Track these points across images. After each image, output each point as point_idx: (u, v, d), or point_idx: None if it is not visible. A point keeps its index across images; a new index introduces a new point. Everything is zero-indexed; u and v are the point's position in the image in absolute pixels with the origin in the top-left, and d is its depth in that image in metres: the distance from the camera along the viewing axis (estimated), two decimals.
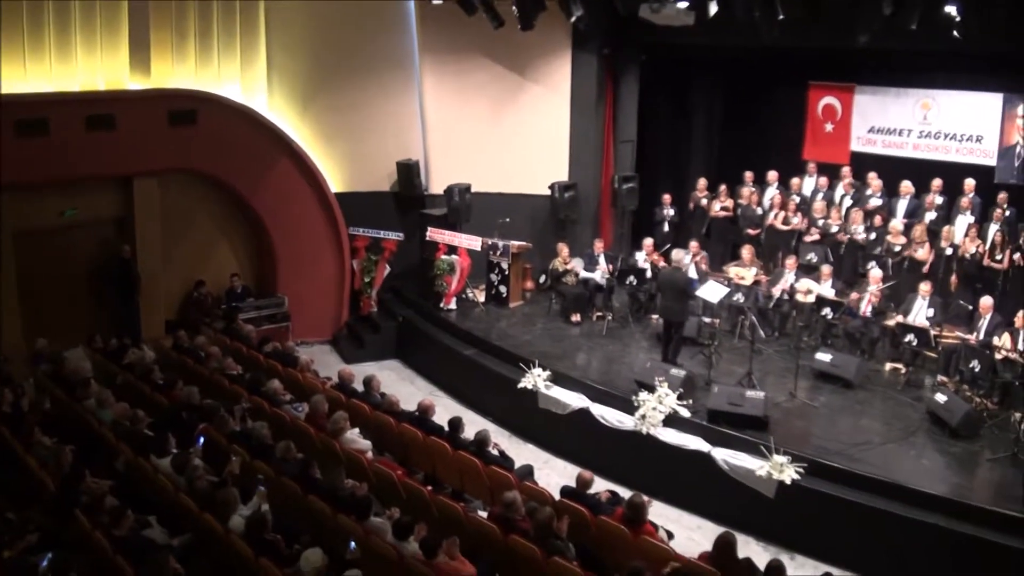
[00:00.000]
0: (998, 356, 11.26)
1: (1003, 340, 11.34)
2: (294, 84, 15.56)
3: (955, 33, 11.28)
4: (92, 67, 13.31)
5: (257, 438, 9.41)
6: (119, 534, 7.57)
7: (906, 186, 14.67)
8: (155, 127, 13.84)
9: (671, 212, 16.22)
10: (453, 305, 15.04)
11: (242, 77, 15.02)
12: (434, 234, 15.18)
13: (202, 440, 9.49)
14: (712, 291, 12.57)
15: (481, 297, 15.38)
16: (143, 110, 13.73)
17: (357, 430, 10.11)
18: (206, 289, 15.32)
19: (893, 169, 15.35)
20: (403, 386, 13.99)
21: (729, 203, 15.86)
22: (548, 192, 16.23)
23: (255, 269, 16.29)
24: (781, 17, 12.14)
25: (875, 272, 13.11)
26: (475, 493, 9.63)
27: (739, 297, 13.35)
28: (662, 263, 14.05)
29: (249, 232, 16.07)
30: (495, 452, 9.84)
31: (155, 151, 13.94)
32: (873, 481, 9.81)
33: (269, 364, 12.31)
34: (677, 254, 12.49)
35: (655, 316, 13.86)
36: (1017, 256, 12.76)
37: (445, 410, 11.78)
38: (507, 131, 16.45)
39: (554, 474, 11.18)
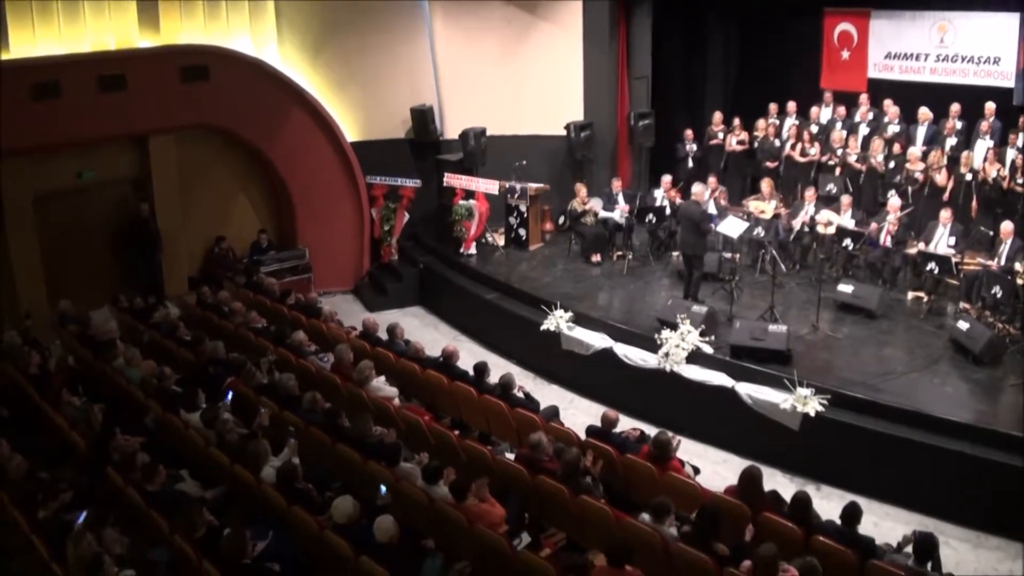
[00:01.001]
0: (1020, 281, 11.18)
1: None
2: (304, 33, 15.43)
3: None
4: (101, 27, 13.25)
5: (284, 390, 9.51)
6: (152, 489, 7.72)
7: (924, 112, 14.50)
8: (167, 84, 13.81)
9: (693, 147, 16.09)
10: (473, 250, 15.05)
11: (251, 29, 14.91)
12: (451, 179, 15.15)
13: (230, 394, 9.61)
14: (732, 226, 12.53)
15: (501, 241, 15.37)
16: (154, 68, 13.70)
17: (383, 378, 10.21)
18: (227, 244, 15.39)
19: (911, 95, 15.15)
20: (427, 332, 14.07)
21: (744, 136, 15.74)
22: (564, 132, 16.15)
23: (274, 222, 16.31)
24: None
25: (894, 201, 13.01)
26: (502, 436, 9.74)
27: (759, 231, 13.32)
28: (679, 199, 14.00)
29: (267, 185, 16.08)
30: (520, 395, 9.92)
31: (168, 108, 13.91)
32: (897, 410, 9.83)
33: (293, 316, 12.40)
34: (697, 188, 12.43)
35: (675, 254, 13.84)
36: None
37: (469, 355, 11.86)
38: (520, 72, 16.32)
39: (579, 414, 11.23)
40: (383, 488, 7.72)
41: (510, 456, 8.79)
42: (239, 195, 15.97)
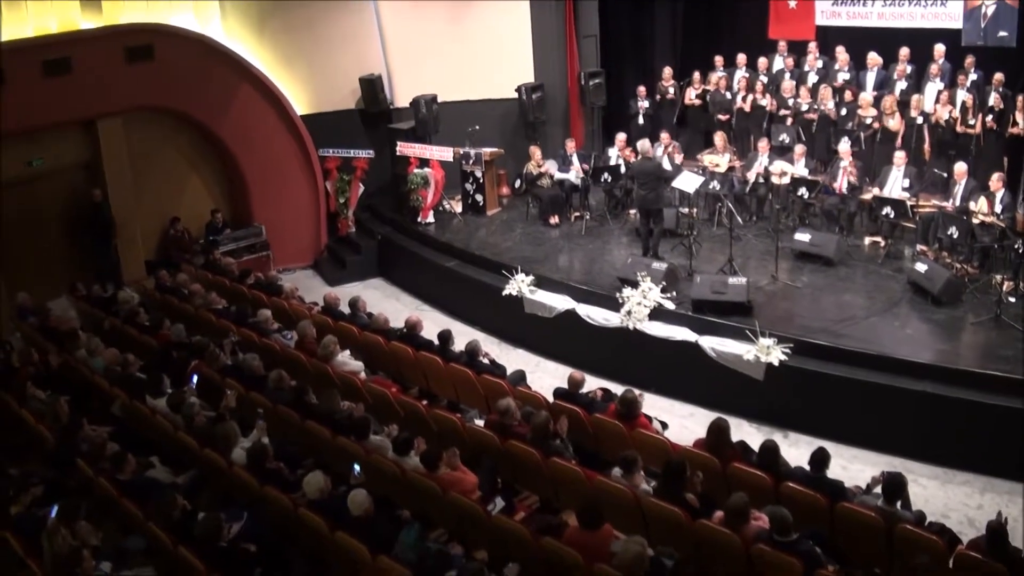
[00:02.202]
0: (975, 221, 11.34)
1: (979, 205, 11.42)
2: (247, 7, 15.19)
3: None
4: (43, 10, 12.97)
5: (249, 370, 9.48)
6: (123, 478, 7.69)
7: (873, 58, 14.55)
8: (113, 66, 13.58)
9: (646, 104, 16.06)
10: (431, 218, 14.97)
11: (195, 5, 14.67)
12: (404, 148, 15.02)
13: (195, 377, 9.55)
14: (688, 181, 12.56)
15: (458, 208, 15.32)
16: (99, 49, 13.45)
17: (348, 352, 10.19)
18: (182, 225, 15.21)
19: (860, 41, 15.18)
20: (389, 304, 14.02)
21: (703, 89, 15.74)
22: (515, 95, 16.09)
23: (229, 201, 16.14)
24: None
25: (844, 146, 13.08)
26: (470, 403, 9.77)
27: (715, 185, 13.38)
28: (633, 158, 14.01)
29: (219, 164, 15.88)
30: (486, 361, 9.95)
31: (115, 90, 13.68)
32: (859, 355, 9.97)
33: (253, 295, 12.32)
34: (642, 144, 12.50)
35: (632, 211, 13.88)
36: (989, 119, 12.76)
37: (433, 323, 11.84)
38: (468, 36, 16.18)
39: (546, 376, 11.26)
40: (356, 468, 7.72)
41: (479, 423, 8.84)
42: (192, 175, 15.76)
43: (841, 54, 14.90)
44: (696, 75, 15.85)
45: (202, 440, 8.17)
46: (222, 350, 10.14)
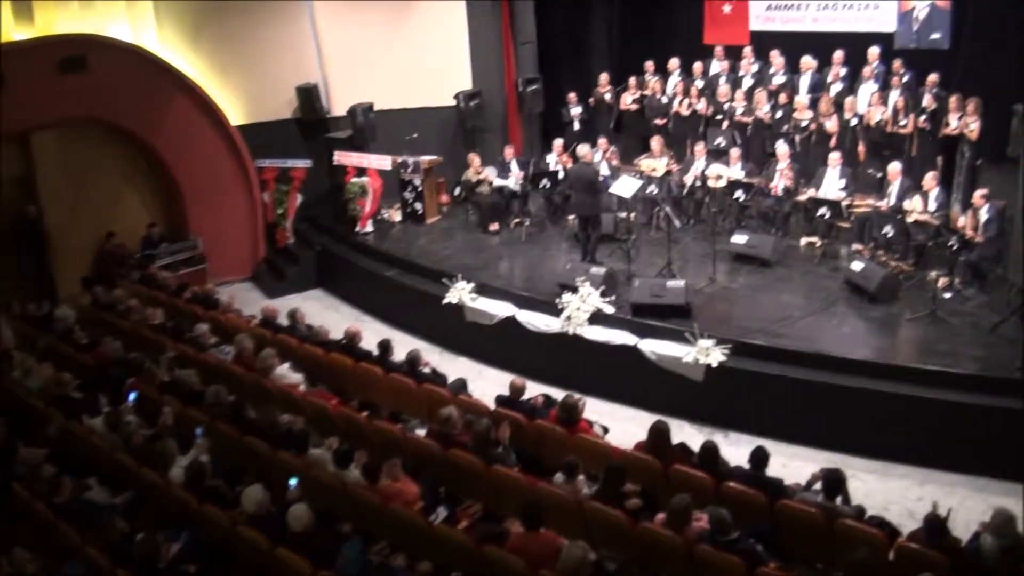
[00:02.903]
0: (910, 219, 11.55)
1: (914, 203, 11.62)
2: (182, 16, 15.03)
3: None
4: None
5: (186, 386, 9.34)
6: (60, 501, 7.53)
7: (807, 61, 14.72)
8: (46, 77, 13.38)
9: (579, 110, 16.14)
10: (370, 227, 14.90)
11: (128, 14, 14.49)
12: (342, 157, 14.94)
13: (132, 395, 9.40)
14: (625, 186, 12.63)
15: (397, 216, 15.27)
16: (31, 61, 13.25)
17: (287, 365, 10.10)
18: (118, 240, 14.95)
19: (795, 44, 15.38)
20: (329, 315, 13.87)
21: (639, 94, 15.84)
22: (453, 103, 16.05)
23: (165, 213, 15.90)
24: None
25: (781, 148, 13.23)
26: (412, 413, 9.72)
27: (652, 189, 13.45)
28: (571, 164, 14.08)
29: (155, 176, 15.63)
30: (427, 370, 9.93)
31: (48, 103, 13.47)
32: (797, 354, 10.10)
33: (190, 309, 12.16)
34: (582, 149, 12.53)
35: (571, 217, 13.92)
36: (921, 119, 12.98)
37: (373, 334, 11.75)
38: (404, 44, 16.12)
39: (488, 384, 11.19)
40: (292, 482, 7.64)
41: (421, 432, 8.80)
42: (127, 188, 15.53)
43: (776, 58, 15.07)
44: (632, 80, 15.96)
45: (140, 459, 8.03)
46: (159, 366, 10.00)
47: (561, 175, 14.16)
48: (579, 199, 12.48)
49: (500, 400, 9.14)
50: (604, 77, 16.27)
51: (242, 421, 8.62)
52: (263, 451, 8.17)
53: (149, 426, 8.69)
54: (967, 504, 8.70)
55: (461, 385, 9.95)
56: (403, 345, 10.95)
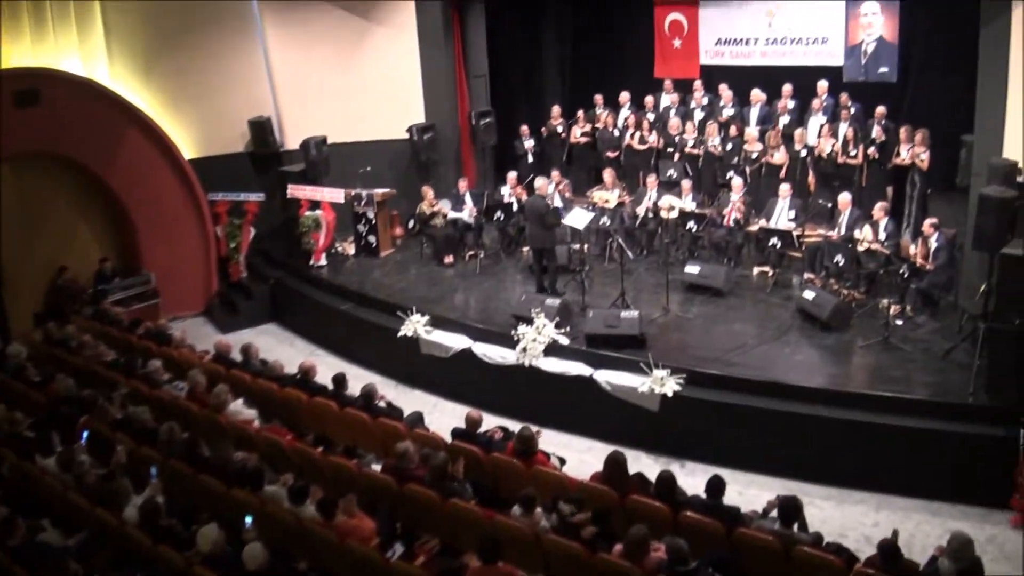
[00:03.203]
0: (860, 248, 11.74)
1: (864, 233, 11.81)
2: (134, 50, 14.97)
3: None
4: None
5: (140, 423, 9.21)
6: (13, 544, 7.38)
7: (756, 94, 15.02)
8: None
9: (531, 143, 16.26)
10: (323, 261, 14.85)
11: (80, 48, 14.40)
12: (295, 191, 14.89)
13: (86, 433, 9.25)
14: (578, 218, 12.70)
15: (351, 249, 15.23)
16: None
17: (241, 400, 10.01)
18: (70, 275, 14.74)
19: (744, 78, 15.66)
20: (283, 349, 13.78)
21: (589, 128, 16.00)
22: (406, 136, 16.05)
23: (118, 248, 15.68)
24: None
25: (736, 180, 13.42)
26: (367, 447, 9.65)
27: (605, 220, 13.56)
28: (525, 196, 14.16)
29: (108, 211, 15.44)
30: (382, 404, 9.87)
31: (1, 136, 13.28)
32: (751, 382, 10.20)
33: (143, 345, 12.01)
34: (539, 182, 12.58)
35: (526, 249, 13.98)
36: (871, 150, 13.23)
37: (328, 368, 11.62)
38: (357, 77, 16.17)
39: (444, 417, 11.18)
40: (248, 520, 7.56)
41: (377, 467, 8.73)
42: (80, 223, 15.31)
43: (725, 91, 15.33)
44: (580, 114, 16.14)
45: (93, 499, 7.90)
46: (112, 403, 9.86)
47: (515, 207, 14.22)
48: (531, 231, 12.55)
49: (456, 433, 9.10)
50: (556, 110, 16.43)
51: (196, 459, 8.51)
52: (217, 489, 8.06)
53: (102, 465, 8.55)
54: (923, 528, 8.86)
55: (417, 419, 9.92)
56: (358, 379, 10.92)
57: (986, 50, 10.94)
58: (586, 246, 13.53)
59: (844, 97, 14.18)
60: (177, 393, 10.40)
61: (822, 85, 14.55)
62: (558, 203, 13.42)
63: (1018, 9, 10.28)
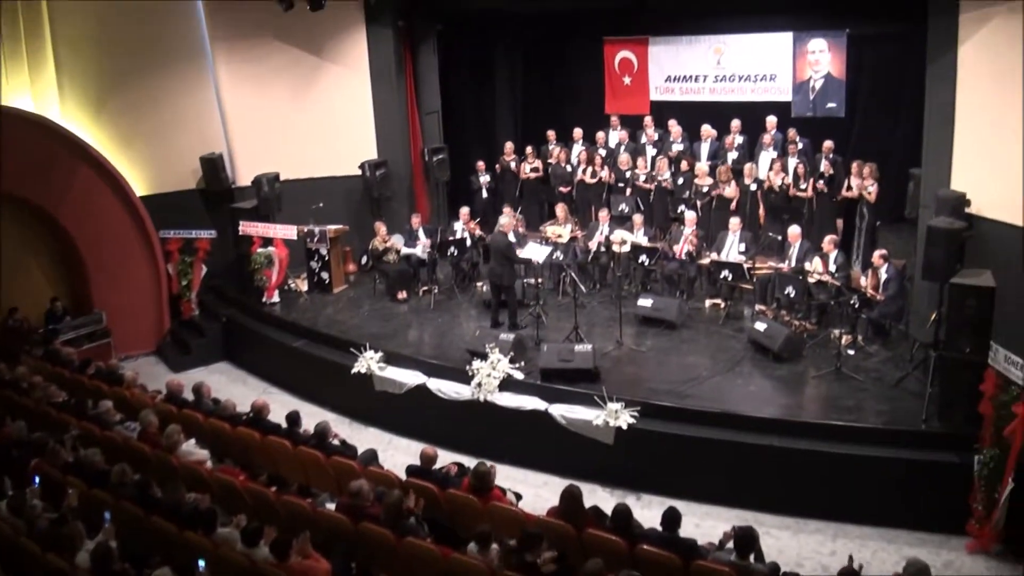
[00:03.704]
0: (811, 280, 11.90)
1: (814, 264, 12.01)
2: (86, 88, 14.91)
3: None
4: None
5: (91, 466, 9.06)
6: None
7: (706, 130, 15.26)
8: None
9: (486, 178, 16.37)
10: (276, 298, 14.77)
11: (32, 86, 14.34)
12: (247, 227, 14.80)
13: (37, 477, 9.09)
14: (535, 252, 12.77)
15: (304, 286, 15.17)
16: None
17: (193, 441, 9.87)
18: (20, 315, 14.53)
19: (694, 114, 15.90)
20: (235, 388, 13.68)
21: (538, 164, 16.15)
22: (359, 172, 16.08)
23: (69, 287, 15.53)
24: None
25: (689, 215, 13.57)
26: (321, 486, 9.58)
27: (558, 255, 13.63)
28: (479, 231, 14.24)
29: (59, 249, 15.30)
30: (336, 442, 9.80)
31: None
32: (705, 414, 10.28)
33: (94, 385, 11.85)
34: (504, 219, 12.76)
35: (480, 284, 14.01)
36: (820, 184, 13.45)
37: (282, 406, 11.54)
38: (310, 114, 16.16)
39: (399, 454, 11.18)
40: (201, 563, 7.46)
41: (331, 506, 8.68)
42: (31, 262, 15.15)
43: (674, 127, 15.55)
44: (529, 150, 16.31)
45: (45, 544, 7.75)
46: (63, 446, 9.70)
47: (468, 242, 14.30)
48: (491, 267, 12.67)
49: (411, 470, 9.06)
50: (509, 146, 16.57)
51: (148, 501, 8.38)
52: (170, 532, 7.95)
53: (54, 509, 8.41)
54: (880, 556, 8.97)
55: (371, 456, 9.88)
56: (312, 417, 10.86)
57: (933, 85, 11.23)
58: (540, 280, 13.60)
59: (792, 132, 14.45)
60: (129, 434, 10.26)
61: (771, 120, 14.82)
62: (512, 238, 13.45)
63: (964, 45, 10.55)
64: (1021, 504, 8.72)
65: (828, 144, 13.97)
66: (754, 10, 15.10)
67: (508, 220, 12.71)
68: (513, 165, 16.33)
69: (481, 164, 16.48)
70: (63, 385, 11.90)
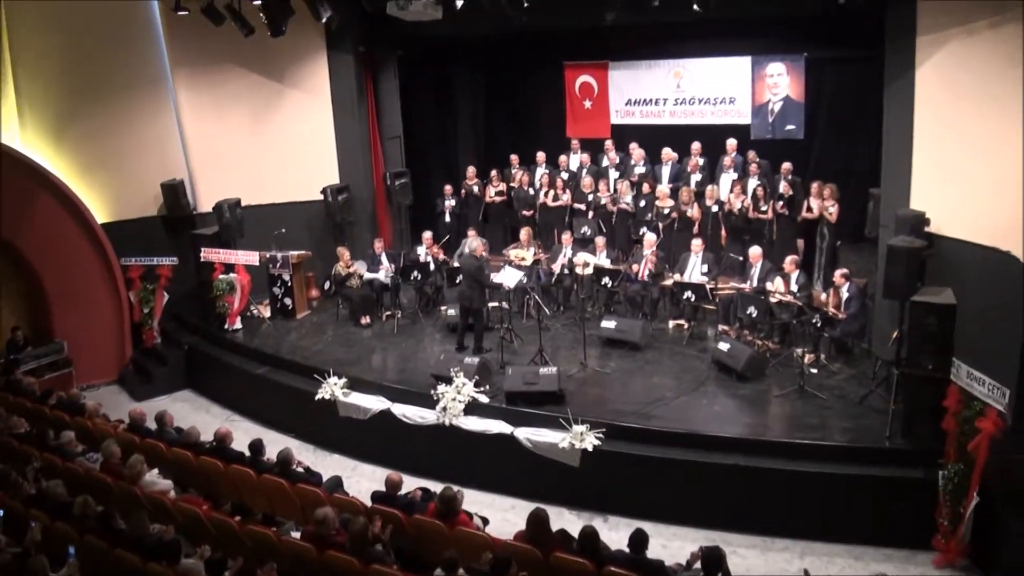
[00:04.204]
0: (773, 300, 12.02)
1: (776, 284, 12.14)
2: (45, 114, 14.76)
3: (695, 7, 11.65)
4: None
5: (53, 498, 8.94)
6: None
7: (667, 152, 15.41)
8: None
9: (452, 202, 16.43)
10: (238, 324, 14.69)
11: None
12: (208, 254, 14.72)
13: (1, 510, 8.97)
14: (508, 277, 12.78)
15: (266, 312, 15.10)
16: None
17: (156, 470, 9.78)
18: None
19: (654, 137, 16.04)
20: (199, 416, 13.54)
21: (503, 187, 16.21)
22: (321, 197, 16.06)
23: (29, 316, 15.35)
24: (527, 4, 12.40)
25: (650, 236, 13.66)
26: (286, 515, 9.49)
27: (522, 278, 13.65)
28: (442, 255, 14.26)
29: (19, 278, 15.11)
30: (300, 469, 9.72)
31: None
32: (670, 434, 10.33)
33: (55, 416, 11.71)
34: (475, 243, 12.89)
35: (444, 308, 14.02)
36: (780, 205, 13.60)
37: (245, 434, 11.48)
38: (271, 140, 16.15)
39: (364, 480, 11.14)
40: None
41: (296, 535, 8.61)
42: None
43: (635, 150, 15.67)
44: (494, 173, 16.37)
45: None
46: (25, 478, 9.57)
47: (432, 266, 14.32)
48: (462, 290, 12.77)
49: (376, 496, 9.01)
50: (471, 170, 16.64)
51: (111, 532, 8.30)
52: (134, 564, 7.86)
53: (17, 544, 8.30)
54: (848, 573, 9.02)
55: (336, 483, 9.84)
56: (276, 444, 10.74)
57: (891, 106, 11.43)
58: (504, 303, 13.62)
59: (752, 154, 14.61)
60: (91, 465, 10.14)
61: (731, 143, 14.98)
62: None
63: (921, 67, 10.74)
64: (986, 518, 8.83)
65: (787, 166, 14.13)
66: (712, 35, 15.25)
67: (478, 243, 12.74)
68: (476, 189, 16.39)
69: (448, 188, 16.53)
70: (24, 416, 11.75)
